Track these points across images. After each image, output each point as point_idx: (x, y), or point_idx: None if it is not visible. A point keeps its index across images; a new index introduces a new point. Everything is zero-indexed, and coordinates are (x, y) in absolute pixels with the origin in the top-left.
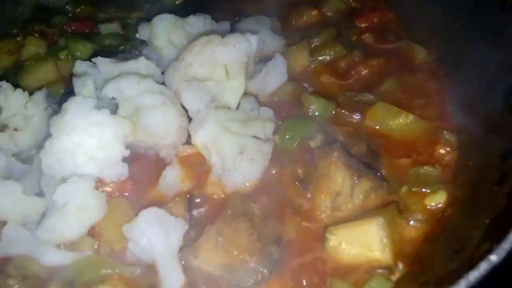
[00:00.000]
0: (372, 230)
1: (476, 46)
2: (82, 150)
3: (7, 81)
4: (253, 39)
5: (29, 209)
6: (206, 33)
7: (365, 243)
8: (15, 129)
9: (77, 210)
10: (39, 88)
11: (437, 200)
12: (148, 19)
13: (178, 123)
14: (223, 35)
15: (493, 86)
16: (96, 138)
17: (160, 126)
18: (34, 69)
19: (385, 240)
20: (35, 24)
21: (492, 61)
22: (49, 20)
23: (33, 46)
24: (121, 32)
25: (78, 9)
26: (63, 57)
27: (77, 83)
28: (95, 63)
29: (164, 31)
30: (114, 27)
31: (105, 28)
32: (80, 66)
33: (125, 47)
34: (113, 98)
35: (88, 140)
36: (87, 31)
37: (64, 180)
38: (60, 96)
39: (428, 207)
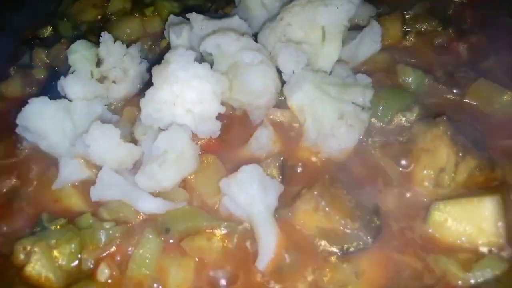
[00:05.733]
0: (486, 209)
1: None
2: (181, 101)
3: (93, 34)
4: (355, 0)
5: (125, 155)
6: None
7: (476, 222)
8: (114, 81)
9: (176, 158)
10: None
11: None
12: None
13: (275, 83)
14: None
15: None
16: (196, 91)
17: (259, 84)
18: (121, 23)
19: (499, 220)
20: None
21: None
22: None
23: (119, 1)
24: None
25: None
26: (149, 14)
27: (172, 34)
28: (188, 19)
29: None
30: None
31: None
32: (174, 19)
33: (210, 7)
34: (210, 54)
35: (188, 92)
36: None
37: (161, 130)
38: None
39: None
